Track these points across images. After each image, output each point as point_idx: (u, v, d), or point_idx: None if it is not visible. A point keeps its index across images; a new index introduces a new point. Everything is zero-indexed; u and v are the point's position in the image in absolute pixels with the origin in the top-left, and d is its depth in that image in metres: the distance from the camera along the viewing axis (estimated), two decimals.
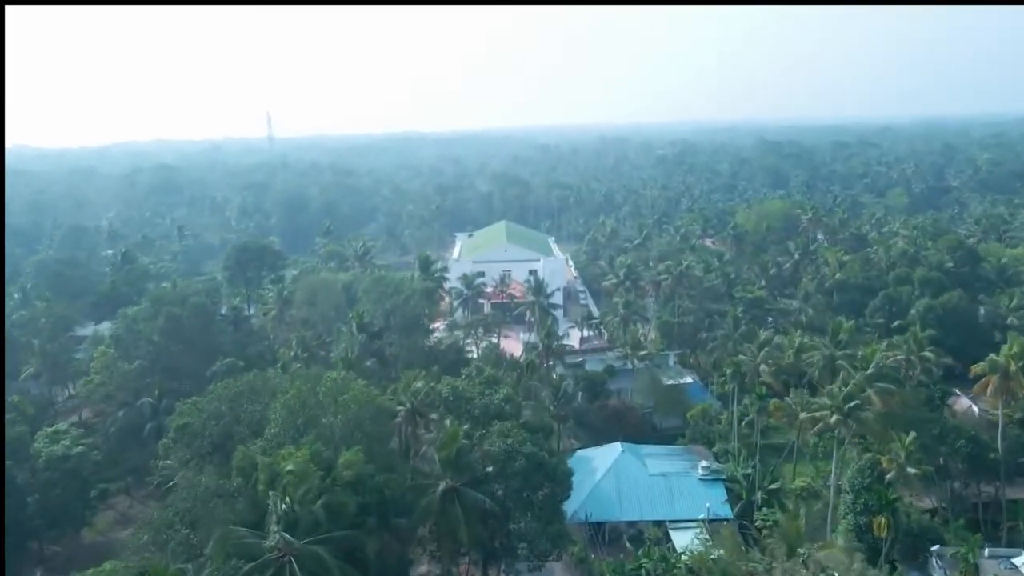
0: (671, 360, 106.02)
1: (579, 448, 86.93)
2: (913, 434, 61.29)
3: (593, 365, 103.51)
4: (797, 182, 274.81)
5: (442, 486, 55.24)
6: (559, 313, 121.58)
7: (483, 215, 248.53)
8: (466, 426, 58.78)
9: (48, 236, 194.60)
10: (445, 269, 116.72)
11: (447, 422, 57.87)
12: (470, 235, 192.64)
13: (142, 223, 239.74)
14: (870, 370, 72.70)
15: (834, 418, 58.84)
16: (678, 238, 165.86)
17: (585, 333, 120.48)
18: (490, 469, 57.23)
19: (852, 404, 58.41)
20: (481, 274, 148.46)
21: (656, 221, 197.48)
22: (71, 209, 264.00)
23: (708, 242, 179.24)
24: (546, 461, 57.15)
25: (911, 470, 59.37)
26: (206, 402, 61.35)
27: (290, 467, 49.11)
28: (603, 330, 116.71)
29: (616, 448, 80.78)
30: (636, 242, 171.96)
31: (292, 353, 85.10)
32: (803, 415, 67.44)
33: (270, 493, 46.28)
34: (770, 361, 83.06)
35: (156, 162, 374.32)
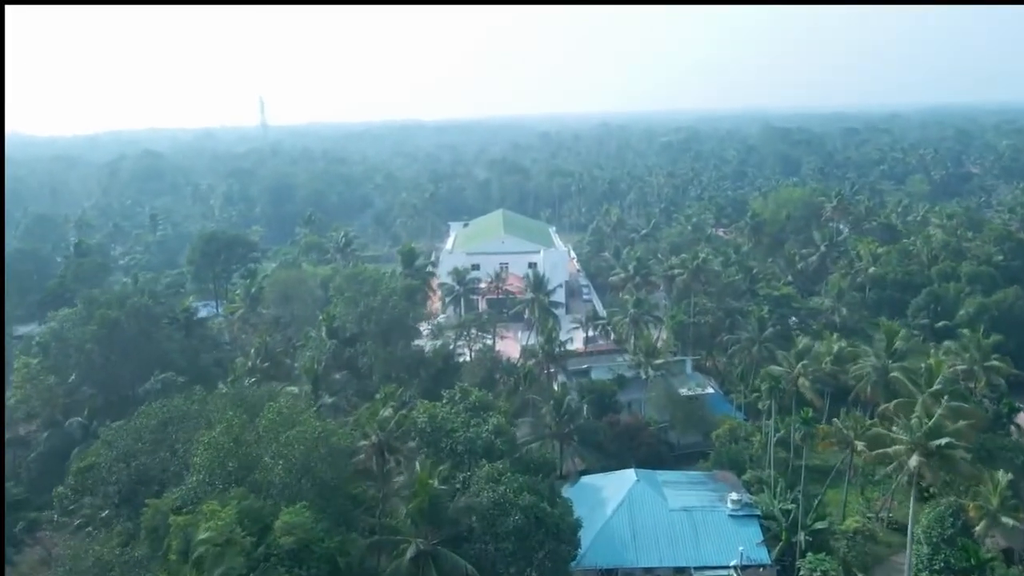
0: (688, 366, 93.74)
1: (584, 472, 74.83)
2: (1008, 475, 48.86)
3: (600, 373, 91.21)
4: (809, 169, 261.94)
5: (412, 548, 43.07)
6: (561, 312, 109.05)
7: (480, 204, 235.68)
8: (443, 467, 46.51)
9: (15, 226, 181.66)
10: (433, 263, 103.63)
11: (417, 462, 45.54)
12: (465, 225, 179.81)
13: (122, 212, 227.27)
14: (936, 387, 60.39)
15: (914, 459, 46.32)
16: (689, 228, 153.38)
17: (590, 333, 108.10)
18: (474, 520, 45.08)
19: (942, 442, 45.65)
20: (476, 267, 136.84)
21: (664, 210, 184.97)
22: (47, 198, 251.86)
23: (720, 232, 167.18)
24: (547, 515, 44.83)
25: (1007, 520, 47.00)
26: (124, 433, 48.95)
27: (207, 535, 36.90)
28: (611, 331, 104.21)
29: (629, 476, 68.50)
30: (644, 232, 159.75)
31: (250, 363, 72.72)
32: (860, 446, 55.06)
33: None
34: (811, 371, 70.69)
35: (143, 150, 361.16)
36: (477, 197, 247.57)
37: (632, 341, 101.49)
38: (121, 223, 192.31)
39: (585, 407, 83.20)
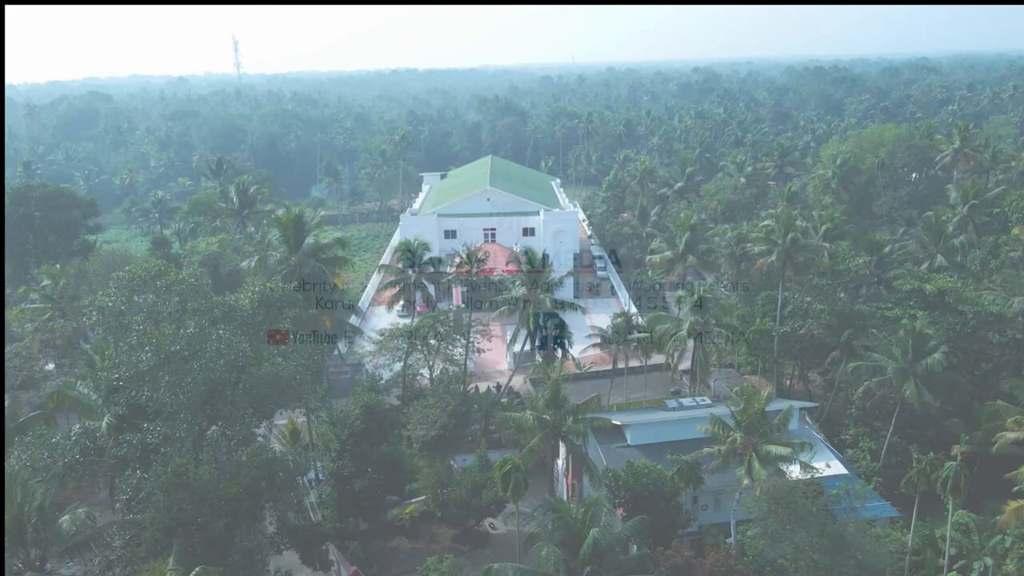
0: (795, 420, 54.05)
1: None
2: None
3: (641, 436, 51.88)
4: (862, 109, 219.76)
5: None
6: (572, 316, 68.32)
7: (468, 151, 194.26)
8: None
9: None
10: (340, 243, 60.73)
11: None
12: (443, 176, 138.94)
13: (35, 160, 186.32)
14: None
15: None
16: (743, 180, 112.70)
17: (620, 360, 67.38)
18: None
19: None
20: (451, 235, 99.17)
21: (699, 156, 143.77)
22: None
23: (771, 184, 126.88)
24: None
25: None
26: None
27: None
28: (650, 343, 64.20)
29: None
30: (678, 185, 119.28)
31: None
32: None
33: None
34: None
35: (89, 92, 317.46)
36: (465, 144, 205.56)
37: (691, 365, 62.19)
38: None
39: (619, 512, 44.82)
